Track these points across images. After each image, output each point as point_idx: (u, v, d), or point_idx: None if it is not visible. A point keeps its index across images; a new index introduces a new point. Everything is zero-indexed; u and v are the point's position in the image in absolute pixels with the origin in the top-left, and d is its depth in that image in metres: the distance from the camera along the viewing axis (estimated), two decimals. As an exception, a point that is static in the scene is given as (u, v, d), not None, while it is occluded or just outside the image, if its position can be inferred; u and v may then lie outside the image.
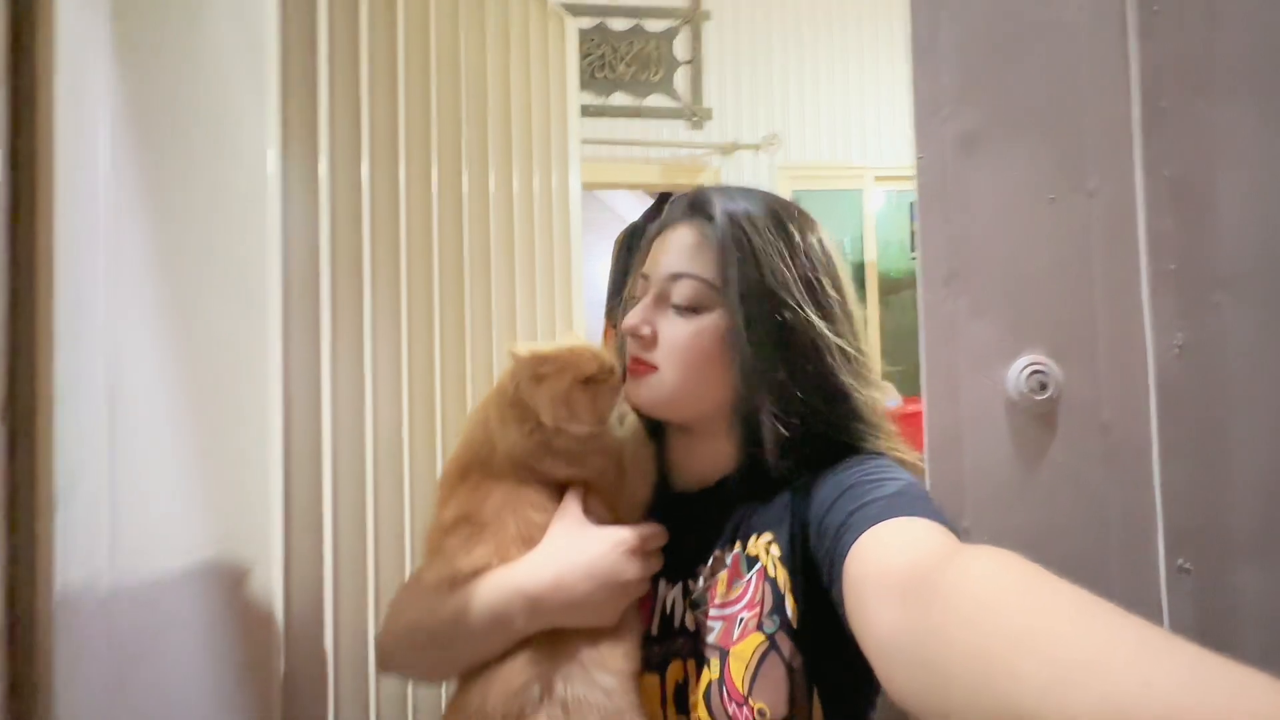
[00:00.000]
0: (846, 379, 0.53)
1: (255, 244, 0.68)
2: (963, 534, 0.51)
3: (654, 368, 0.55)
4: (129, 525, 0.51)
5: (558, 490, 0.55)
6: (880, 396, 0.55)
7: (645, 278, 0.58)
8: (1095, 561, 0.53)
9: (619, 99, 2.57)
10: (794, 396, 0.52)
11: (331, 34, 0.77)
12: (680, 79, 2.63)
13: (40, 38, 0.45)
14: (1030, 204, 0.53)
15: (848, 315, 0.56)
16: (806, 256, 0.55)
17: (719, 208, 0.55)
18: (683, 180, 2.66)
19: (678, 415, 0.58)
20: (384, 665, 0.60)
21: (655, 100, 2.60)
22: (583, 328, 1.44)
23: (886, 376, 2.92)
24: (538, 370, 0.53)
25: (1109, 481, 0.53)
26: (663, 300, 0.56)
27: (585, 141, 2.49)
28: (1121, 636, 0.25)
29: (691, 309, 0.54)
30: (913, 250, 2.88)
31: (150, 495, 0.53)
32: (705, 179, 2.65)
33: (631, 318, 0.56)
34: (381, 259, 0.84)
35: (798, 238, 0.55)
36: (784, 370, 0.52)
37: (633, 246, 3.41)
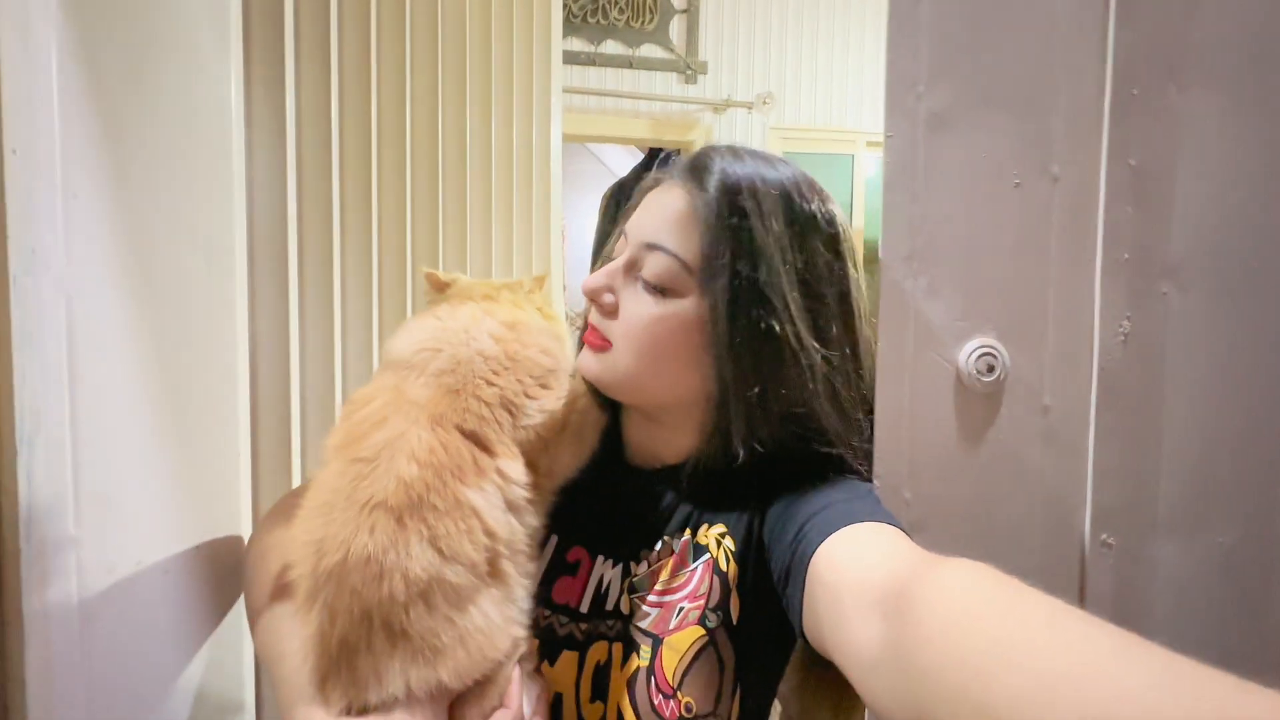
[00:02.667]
0: (825, 406, 0.49)
1: (218, 188, 0.66)
2: (903, 505, 0.54)
3: (607, 344, 0.50)
4: (92, 467, 0.52)
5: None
6: (864, 430, 0.52)
7: (622, 234, 0.52)
8: (1024, 534, 0.56)
9: (610, 47, 2.49)
10: (764, 415, 0.48)
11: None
12: (675, 29, 2.54)
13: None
14: (995, 187, 0.54)
15: (849, 332, 0.51)
16: (813, 254, 0.48)
17: (718, 177, 0.47)
18: (672, 136, 2.60)
19: (632, 400, 0.54)
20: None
21: (648, 50, 2.52)
22: (561, 284, 1.43)
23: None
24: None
25: (1044, 460, 0.56)
26: (633, 268, 0.50)
27: (574, 91, 2.43)
28: (1096, 646, 0.25)
29: (660, 289, 0.48)
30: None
31: (113, 437, 0.54)
32: (696, 136, 2.60)
33: (594, 279, 0.50)
34: (351, 208, 0.83)
35: (808, 229, 0.48)
36: (758, 384, 0.47)
37: (620, 202, 3.37)
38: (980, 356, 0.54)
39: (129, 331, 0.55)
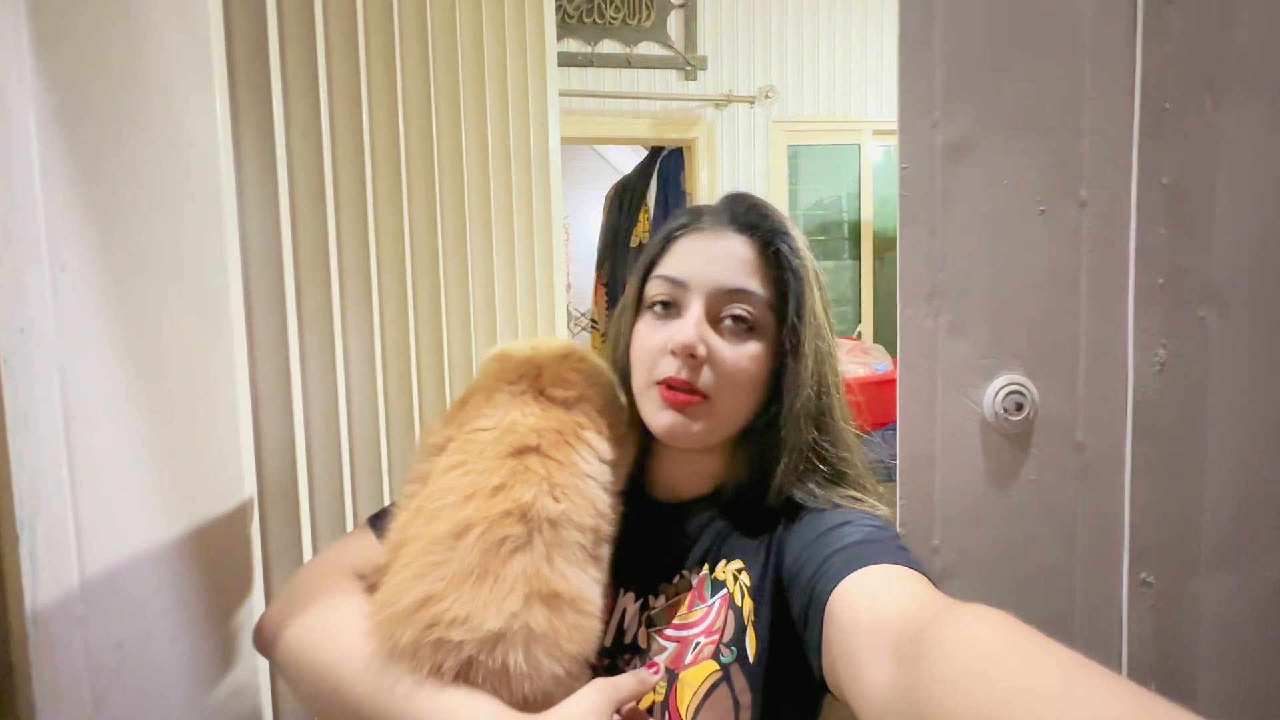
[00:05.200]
0: (844, 419, 0.53)
1: (209, 237, 0.65)
2: (931, 552, 0.52)
3: (701, 396, 0.50)
4: (97, 543, 0.51)
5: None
6: (860, 446, 0.55)
7: (674, 282, 0.52)
8: (1060, 576, 0.54)
9: (607, 46, 2.44)
10: (810, 428, 0.51)
11: (280, 6, 0.71)
12: (673, 24, 2.49)
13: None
14: (1019, 216, 0.51)
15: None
16: (821, 283, 0.54)
17: (764, 226, 0.52)
18: (674, 134, 2.56)
19: (709, 443, 0.54)
20: (266, 652, 0.52)
21: (646, 48, 2.47)
22: (563, 297, 1.41)
23: (878, 339, 2.89)
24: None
25: (1079, 499, 0.53)
26: (710, 315, 0.52)
27: (572, 94, 2.39)
28: (1114, 701, 0.25)
29: (748, 329, 0.51)
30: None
31: (116, 510, 0.53)
32: (698, 133, 2.55)
33: (687, 335, 0.50)
34: (347, 236, 0.81)
35: (813, 262, 0.54)
36: (813, 401, 0.51)
37: (623, 202, 3.32)
38: (1008, 395, 0.51)
39: (126, 400, 0.54)
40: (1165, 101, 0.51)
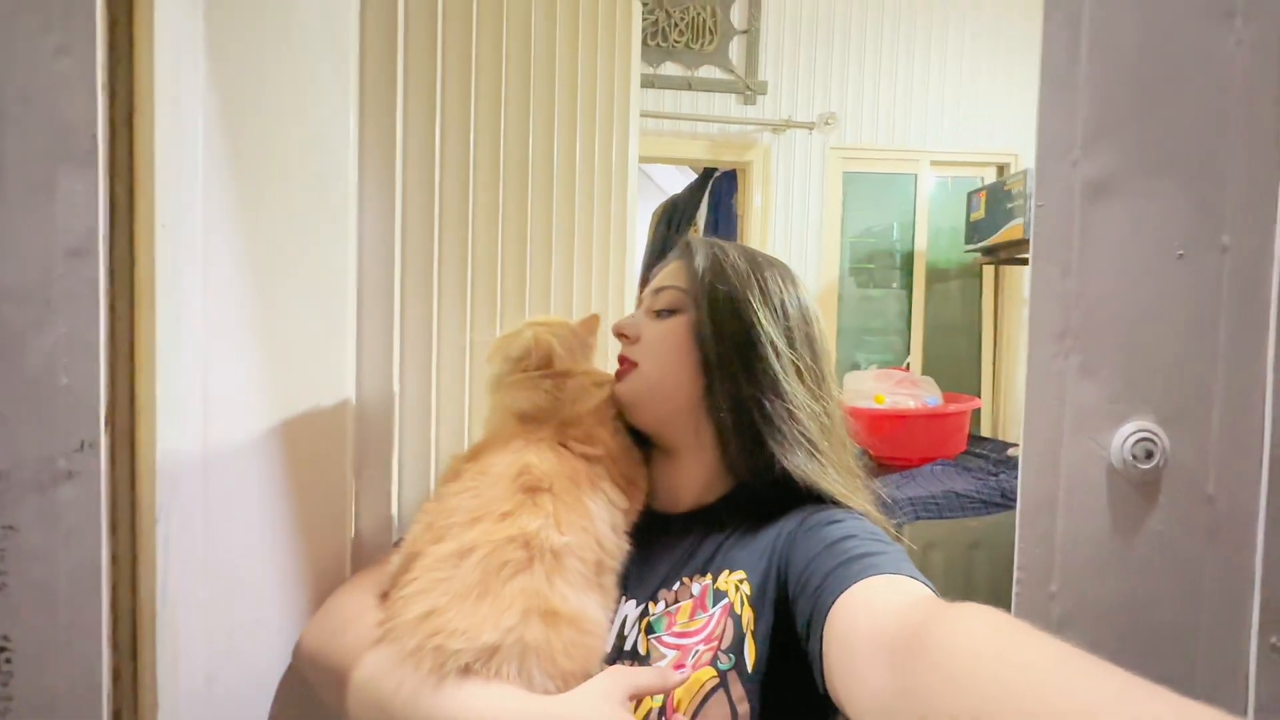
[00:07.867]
0: (802, 407, 0.56)
1: (337, 235, 0.67)
2: (1048, 599, 0.50)
3: (634, 364, 0.61)
4: (221, 533, 0.52)
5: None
6: (852, 455, 0.60)
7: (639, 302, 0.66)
8: (1184, 635, 0.51)
9: (669, 69, 2.48)
10: (749, 403, 0.55)
11: (407, 34, 0.75)
12: (735, 49, 2.52)
13: (140, 48, 0.44)
14: (1157, 259, 0.50)
15: (819, 378, 0.59)
16: (783, 304, 0.59)
17: (704, 244, 0.63)
18: (730, 157, 2.58)
19: (652, 413, 0.60)
20: (303, 664, 0.58)
21: (707, 72, 2.50)
22: (633, 300, 1.43)
23: (926, 371, 2.82)
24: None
25: (1208, 555, 0.51)
26: (648, 311, 0.64)
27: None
28: (1103, 689, 0.25)
29: (669, 311, 0.61)
30: (967, 242, 2.77)
31: (240, 503, 0.55)
32: (754, 156, 2.57)
33: (619, 322, 0.64)
34: (449, 246, 0.83)
35: (773, 284, 0.60)
36: (742, 374, 0.56)
37: (671, 219, 3.33)
38: (1138, 442, 0.50)
39: (256, 395, 0.56)
40: (1315, 149, 0.49)
